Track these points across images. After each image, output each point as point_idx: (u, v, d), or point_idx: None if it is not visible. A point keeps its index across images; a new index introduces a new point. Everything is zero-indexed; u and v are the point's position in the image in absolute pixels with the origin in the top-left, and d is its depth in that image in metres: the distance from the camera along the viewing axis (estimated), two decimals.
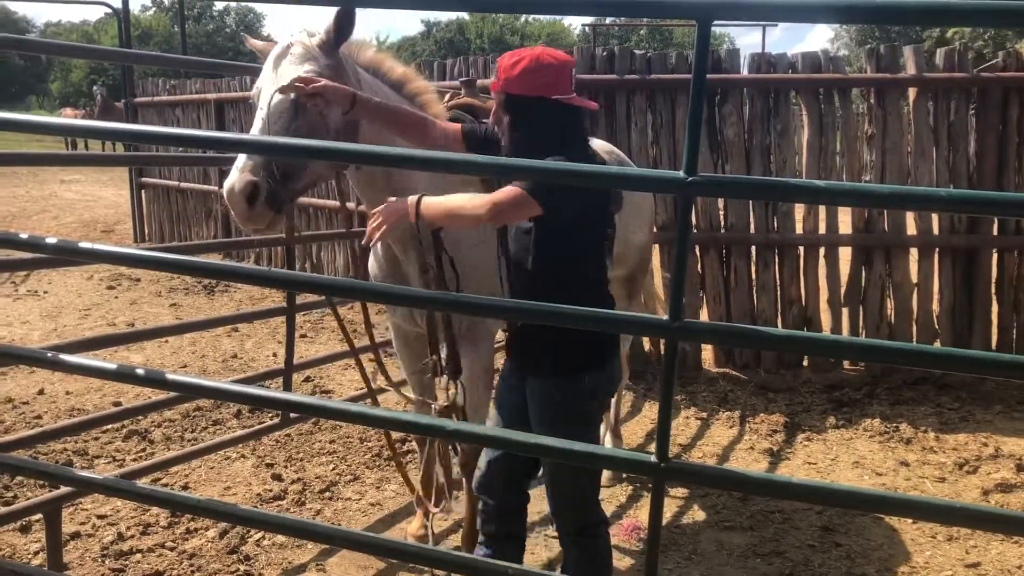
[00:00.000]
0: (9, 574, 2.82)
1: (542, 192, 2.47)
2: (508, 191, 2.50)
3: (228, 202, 2.67)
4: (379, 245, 3.40)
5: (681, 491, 4.57)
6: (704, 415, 5.78)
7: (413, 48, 67.51)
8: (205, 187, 10.76)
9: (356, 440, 5.16)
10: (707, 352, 6.74)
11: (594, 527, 2.94)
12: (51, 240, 2.47)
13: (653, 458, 1.91)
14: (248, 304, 8.84)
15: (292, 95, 2.75)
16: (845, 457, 5.11)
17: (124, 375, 2.47)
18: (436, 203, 2.57)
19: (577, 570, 2.91)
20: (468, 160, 2.08)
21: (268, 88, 2.81)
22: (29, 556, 3.79)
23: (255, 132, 2.75)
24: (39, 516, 3.53)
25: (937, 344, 6.27)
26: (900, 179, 6.28)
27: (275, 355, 6.90)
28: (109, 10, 13.80)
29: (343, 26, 2.90)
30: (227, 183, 2.66)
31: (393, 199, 2.63)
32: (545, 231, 2.66)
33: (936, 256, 6.32)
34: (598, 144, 4.61)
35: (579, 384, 2.76)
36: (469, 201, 2.55)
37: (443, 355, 3.17)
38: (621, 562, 3.90)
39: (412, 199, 2.58)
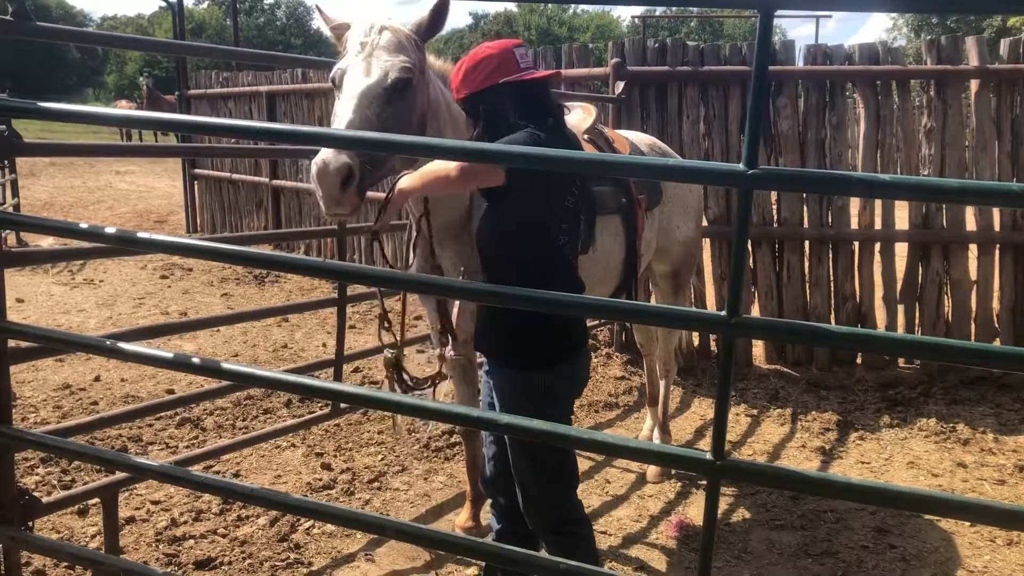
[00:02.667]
0: (69, 557, 2.87)
1: None
2: (459, 178, 2.60)
3: (317, 181, 2.53)
4: (417, 255, 3.35)
5: (730, 488, 4.51)
6: (754, 412, 5.70)
7: (461, 40, 67.75)
8: (256, 178, 10.89)
9: (404, 431, 5.18)
10: (758, 348, 6.65)
11: (570, 525, 2.86)
12: (111, 230, 2.50)
13: (708, 456, 1.87)
14: (298, 295, 8.94)
15: (389, 80, 2.73)
16: (900, 457, 5.00)
17: (181, 364, 2.49)
18: (413, 176, 2.69)
19: None
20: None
21: (357, 73, 2.76)
22: (86, 539, 3.87)
23: (342, 118, 2.68)
24: (96, 500, 3.60)
25: (996, 343, 6.11)
26: (959, 174, 6.13)
27: (324, 345, 6.96)
28: (163, 3, 14.02)
29: (437, 20, 2.92)
30: (319, 160, 2.52)
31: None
32: (506, 209, 2.69)
33: (997, 253, 6.16)
34: (639, 137, 4.54)
35: (532, 381, 2.74)
36: (440, 165, 2.61)
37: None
38: (670, 559, 3.87)
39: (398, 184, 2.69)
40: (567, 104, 4.14)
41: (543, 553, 2.86)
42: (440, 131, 3.07)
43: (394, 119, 2.76)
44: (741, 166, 1.74)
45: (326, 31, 3.11)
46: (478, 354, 3.10)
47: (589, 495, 4.46)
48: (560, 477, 2.84)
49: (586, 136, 3.75)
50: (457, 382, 3.87)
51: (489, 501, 3.16)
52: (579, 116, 3.85)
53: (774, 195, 6.52)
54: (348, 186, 2.55)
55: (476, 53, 2.78)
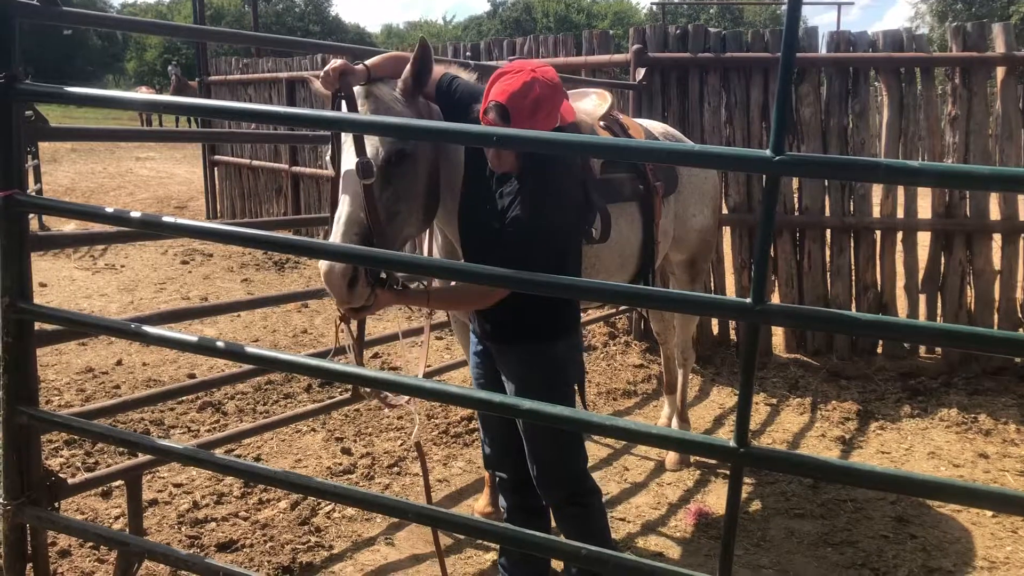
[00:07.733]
0: (94, 537, 2.91)
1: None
2: (492, 297, 2.64)
3: (326, 284, 2.56)
4: (438, 234, 3.27)
5: (749, 477, 4.50)
6: (774, 401, 5.68)
7: (480, 27, 67.58)
8: (275, 165, 10.93)
9: (423, 417, 5.20)
10: (777, 337, 6.62)
11: (584, 496, 2.90)
12: (136, 214, 2.52)
13: (731, 443, 1.87)
14: (317, 280, 8.95)
15: (380, 159, 2.58)
16: (920, 447, 4.97)
17: (204, 347, 2.51)
18: (443, 295, 2.79)
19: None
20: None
21: (349, 155, 2.61)
22: (110, 520, 3.91)
23: (340, 212, 2.59)
24: (120, 482, 3.64)
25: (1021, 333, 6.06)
26: (984, 162, 6.05)
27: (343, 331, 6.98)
28: None
29: (422, 71, 2.73)
30: (323, 264, 2.53)
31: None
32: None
33: (1021, 242, 6.09)
34: (652, 125, 4.52)
35: (553, 350, 2.80)
36: (473, 293, 2.69)
37: None
38: (688, 546, 3.87)
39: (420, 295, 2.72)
40: (583, 90, 4.12)
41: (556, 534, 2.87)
42: (450, 175, 2.90)
43: (396, 196, 2.65)
44: (768, 152, 1.73)
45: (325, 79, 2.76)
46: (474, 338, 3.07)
47: (607, 482, 4.47)
48: (577, 450, 2.92)
49: (601, 123, 3.72)
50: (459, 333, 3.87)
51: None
52: (594, 102, 3.80)
53: (795, 183, 6.47)
54: (355, 285, 2.55)
55: (541, 86, 2.53)
